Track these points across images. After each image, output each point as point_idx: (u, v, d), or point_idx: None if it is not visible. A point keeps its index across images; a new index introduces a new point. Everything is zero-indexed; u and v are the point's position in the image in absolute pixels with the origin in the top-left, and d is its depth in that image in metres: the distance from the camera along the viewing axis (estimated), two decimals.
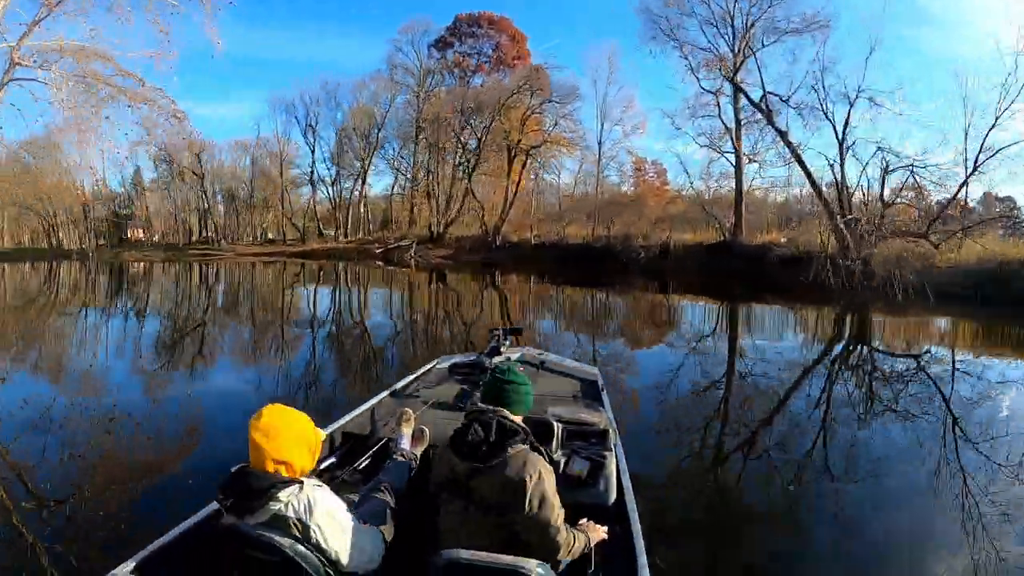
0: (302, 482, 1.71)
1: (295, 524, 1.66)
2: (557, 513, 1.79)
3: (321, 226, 47.15)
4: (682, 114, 27.61)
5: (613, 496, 2.32)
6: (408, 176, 44.00)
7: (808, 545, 3.33)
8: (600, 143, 36.52)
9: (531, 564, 1.57)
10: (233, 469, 1.69)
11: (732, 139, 26.92)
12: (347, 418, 3.07)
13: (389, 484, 2.22)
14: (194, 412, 5.53)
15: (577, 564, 1.92)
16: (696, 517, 3.61)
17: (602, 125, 36.34)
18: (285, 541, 1.62)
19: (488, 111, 34.94)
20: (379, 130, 43.00)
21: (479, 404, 1.97)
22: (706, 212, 27.76)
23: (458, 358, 4.17)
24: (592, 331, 11.31)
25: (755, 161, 27.03)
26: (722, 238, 26.34)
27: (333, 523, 1.71)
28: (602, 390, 3.67)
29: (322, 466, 2.60)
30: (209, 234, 48.63)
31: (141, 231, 51.57)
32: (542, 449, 1.87)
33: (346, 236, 44.50)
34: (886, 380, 7.39)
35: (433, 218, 39.72)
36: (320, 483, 1.79)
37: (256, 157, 47.35)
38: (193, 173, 45.95)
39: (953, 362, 8.55)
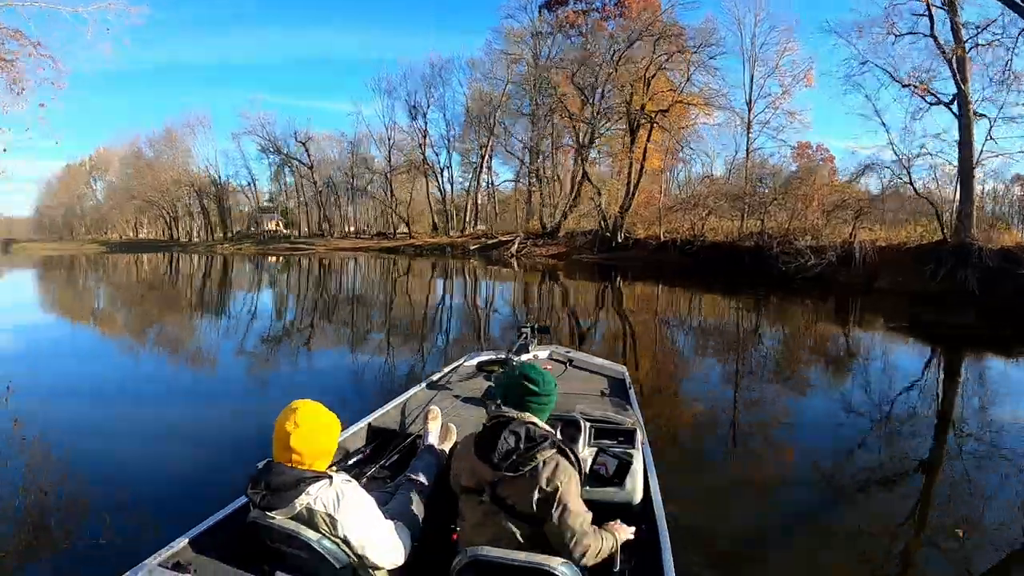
0: (331, 477, 1.75)
1: (324, 518, 1.69)
2: (584, 517, 1.81)
3: (436, 219, 44.48)
4: (870, 37, 18.22)
5: (640, 495, 2.33)
6: (525, 161, 39.40)
7: (839, 550, 3.16)
8: (750, 102, 28.76)
9: (555, 562, 1.63)
10: (260, 464, 1.75)
11: (956, 77, 16.91)
12: (377, 413, 3.10)
13: (417, 480, 2.27)
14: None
15: (603, 564, 1.87)
16: (724, 519, 3.43)
17: (751, 81, 28.63)
18: (313, 535, 1.66)
19: (604, 68, 28.60)
20: (496, 111, 38.21)
21: (503, 408, 1.93)
22: (914, 195, 18.74)
23: (485, 355, 4.08)
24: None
25: (983, 116, 16.95)
26: (939, 237, 17.66)
27: (361, 518, 1.74)
28: (629, 388, 3.65)
29: (351, 461, 2.67)
30: (310, 226, 49.29)
31: (275, 224, 54.22)
32: (569, 450, 1.85)
33: (459, 230, 41.46)
34: None
35: (545, 209, 35.13)
36: (349, 478, 1.82)
37: (358, 144, 45.85)
38: (300, 162, 46.37)
39: None
